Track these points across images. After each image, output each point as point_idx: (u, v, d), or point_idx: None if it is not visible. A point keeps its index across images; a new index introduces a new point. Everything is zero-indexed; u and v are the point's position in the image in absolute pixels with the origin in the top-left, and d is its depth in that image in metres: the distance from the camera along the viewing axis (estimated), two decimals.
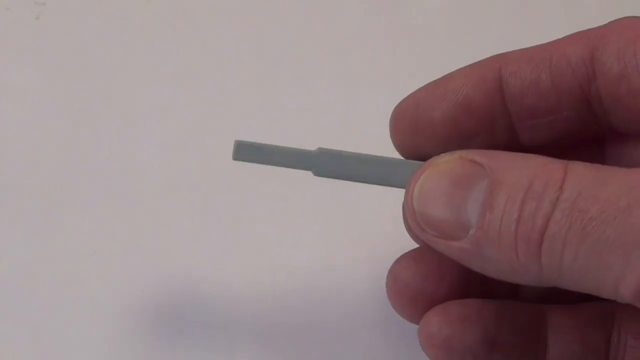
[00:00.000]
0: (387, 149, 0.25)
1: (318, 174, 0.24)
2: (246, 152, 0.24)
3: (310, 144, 0.32)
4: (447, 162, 0.22)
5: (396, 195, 0.24)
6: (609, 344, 0.24)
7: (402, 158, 0.25)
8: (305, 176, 0.25)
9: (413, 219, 0.23)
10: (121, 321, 0.30)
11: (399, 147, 0.25)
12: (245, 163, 0.24)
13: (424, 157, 0.24)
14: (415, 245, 0.26)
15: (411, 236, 0.25)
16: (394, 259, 0.26)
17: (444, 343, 0.24)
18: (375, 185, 0.24)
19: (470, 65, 0.24)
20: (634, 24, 0.22)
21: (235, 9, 0.38)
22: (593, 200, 0.19)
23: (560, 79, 0.23)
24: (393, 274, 0.25)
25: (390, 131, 0.25)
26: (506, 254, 0.21)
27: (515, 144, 0.24)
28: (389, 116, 0.25)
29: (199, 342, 0.30)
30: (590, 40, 0.22)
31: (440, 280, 0.25)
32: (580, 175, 0.20)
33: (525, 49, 0.24)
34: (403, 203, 0.23)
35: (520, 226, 0.20)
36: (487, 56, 0.24)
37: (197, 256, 0.32)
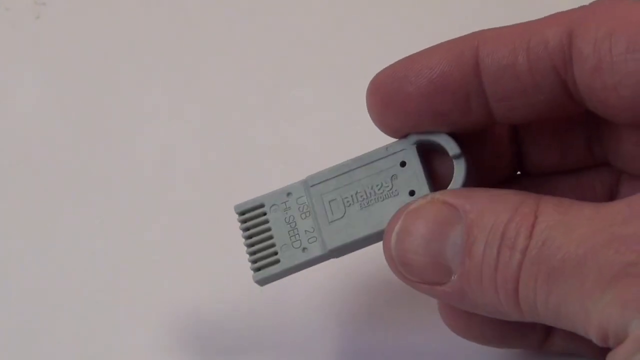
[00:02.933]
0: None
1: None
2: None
3: (312, 147, 0.32)
4: (421, 208, 0.22)
5: None
6: None
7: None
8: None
9: (394, 267, 0.23)
10: (121, 322, 0.30)
11: (375, 121, 0.25)
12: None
13: (398, 131, 0.24)
14: None
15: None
16: None
17: (464, 316, 0.24)
18: None
19: (449, 41, 0.24)
20: (616, 9, 0.22)
21: (237, 9, 0.38)
22: (556, 249, 0.19)
23: (537, 63, 0.22)
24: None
25: (367, 103, 0.24)
26: (490, 300, 0.21)
27: (490, 122, 0.24)
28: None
29: (198, 343, 0.30)
30: (570, 24, 0.22)
31: None
32: (548, 220, 0.20)
33: (506, 27, 0.23)
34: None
35: (499, 275, 0.20)
36: None
37: (198, 257, 0.32)
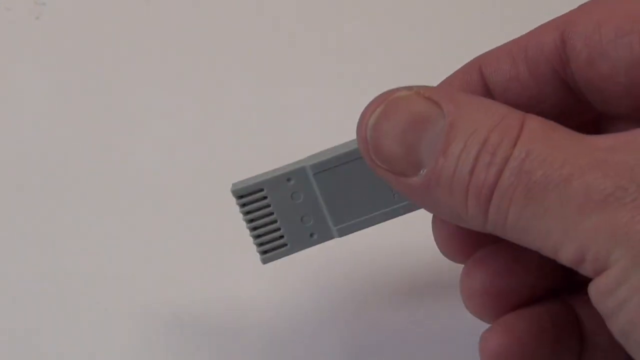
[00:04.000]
0: None
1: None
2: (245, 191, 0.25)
3: (312, 147, 0.32)
4: (404, 98, 0.22)
5: None
6: None
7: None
8: None
9: (365, 149, 0.22)
10: (121, 322, 0.30)
11: None
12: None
13: None
14: None
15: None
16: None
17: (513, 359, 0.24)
18: None
19: (453, 74, 0.24)
20: (602, 6, 0.22)
21: (237, 9, 0.38)
22: (539, 163, 0.19)
23: (537, 69, 0.23)
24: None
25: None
26: (456, 202, 0.21)
27: None
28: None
29: (198, 344, 0.30)
30: (562, 26, 0.23)
31: None
32: (534, 134, 0.20)
33: (502, 45, 0.24)
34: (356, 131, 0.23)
35: (473, 179, 0.20)
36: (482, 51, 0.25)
37: (198, 258, 0.32)
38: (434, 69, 0.25)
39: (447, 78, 0.24)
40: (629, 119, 0.24)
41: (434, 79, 0.25)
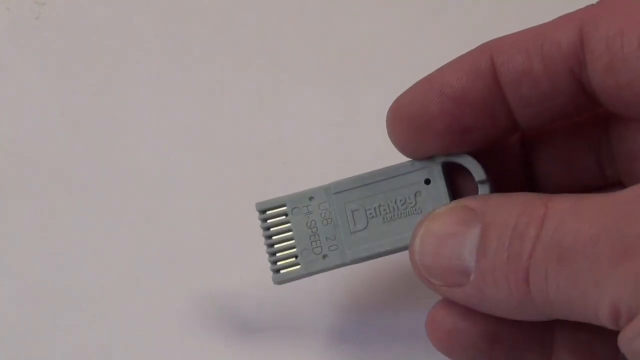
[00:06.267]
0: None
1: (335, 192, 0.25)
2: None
3: (312, 146, 0.32)
4: (443, 213, 0.23)
5: None
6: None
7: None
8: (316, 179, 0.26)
9: (418, 272, 0.23)
10: (121, 322, 0.30)
11: (399, 146, 0.25)
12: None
13: (424, 154, 0.25)
14: None
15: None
16: None
17: (447, 335, 0.24)
18: None
19: (462, 57, 0.24)
20: (625, 8, 0.22)
21: (237, 9, 0.38)
22: (567, 231, 0.20)
23: (552, 66, 0.23)
24: None
25: (388, 131, 0.25)
26: (504, 294, 0.21)
27: (514, 129, 0.24)
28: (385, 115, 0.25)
29: (201, 345, 0.30)
30: (581, 24, 0.22)
31: None
32: (559, 209, 0.20)
33: (516, 33, 0.23)
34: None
35: (510, 266, 0.21)
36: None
37: (197, 258, 0.32)
38: (436, 66, 0.25)
39: (455, 60, 0.24)
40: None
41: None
